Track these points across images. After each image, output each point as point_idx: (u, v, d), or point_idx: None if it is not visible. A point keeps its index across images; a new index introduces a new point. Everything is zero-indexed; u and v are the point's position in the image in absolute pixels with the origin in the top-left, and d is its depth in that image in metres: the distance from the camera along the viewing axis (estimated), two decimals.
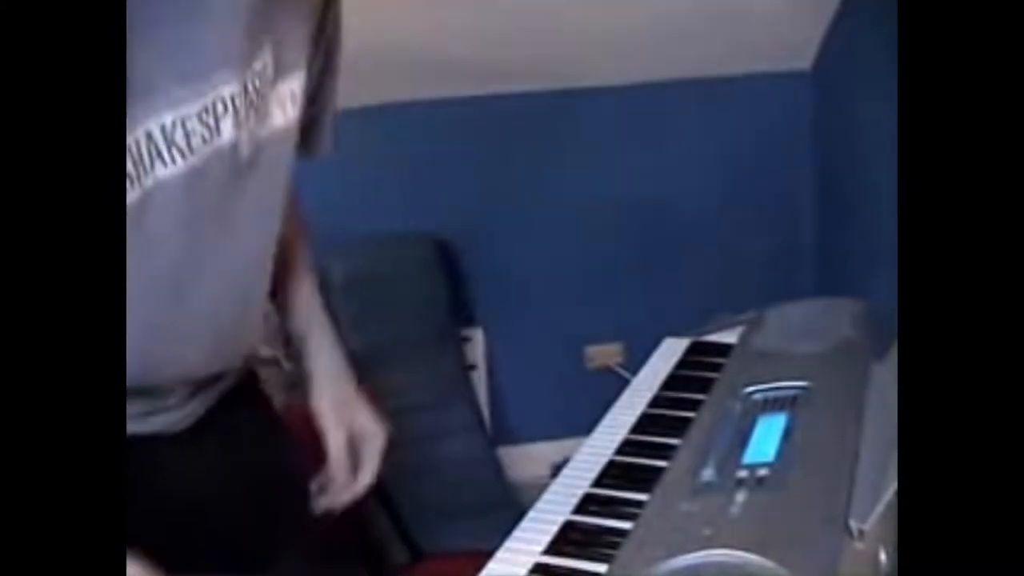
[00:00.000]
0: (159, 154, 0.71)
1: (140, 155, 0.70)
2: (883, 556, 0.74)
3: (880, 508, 0.75)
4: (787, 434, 0.93)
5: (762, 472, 0.86)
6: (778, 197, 2.53)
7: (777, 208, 2.53)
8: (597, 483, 1.06)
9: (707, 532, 0.78)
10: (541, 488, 1.08)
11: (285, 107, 0.83)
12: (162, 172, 0.72)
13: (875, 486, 0.80)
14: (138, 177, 0.71)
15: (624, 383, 1.33)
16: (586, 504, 1.02)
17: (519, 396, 2.47)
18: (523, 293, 2.45)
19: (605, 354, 2.54)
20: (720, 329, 1.45)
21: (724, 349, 1.33)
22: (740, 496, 0.82)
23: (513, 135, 2.26)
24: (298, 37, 0.84)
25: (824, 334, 1.17)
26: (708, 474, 0.89)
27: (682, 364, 1.37)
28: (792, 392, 1.02)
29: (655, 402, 1.25)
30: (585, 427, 1.20)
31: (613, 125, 2.41)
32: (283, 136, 0.84)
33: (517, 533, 0.98)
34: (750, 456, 0.90)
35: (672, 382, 1.31)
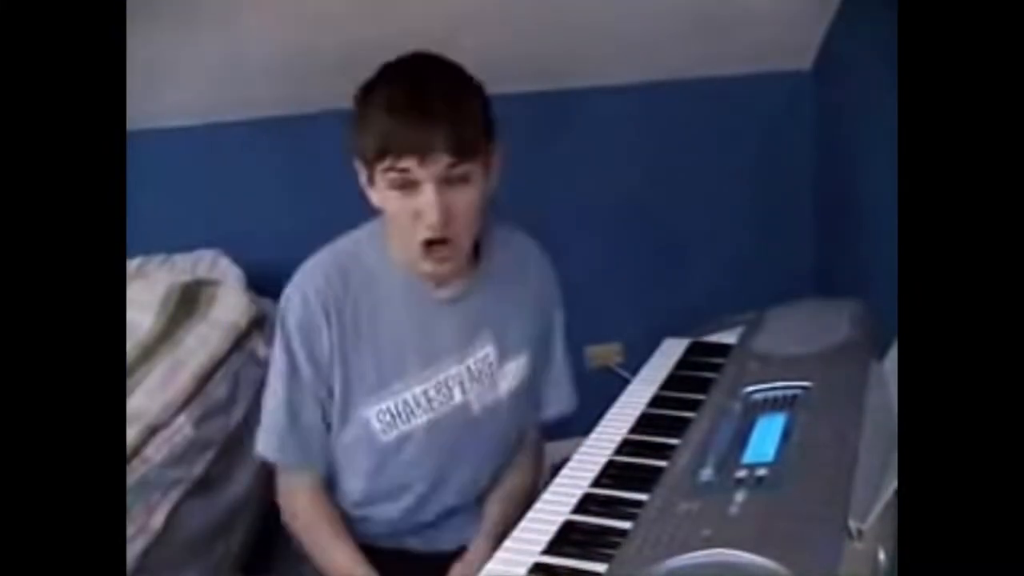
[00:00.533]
0: (411, 412, 1.19)
1: (398, 412, 1.19)
2: (882, 556, 0.74)
3: (879, 508, 0.75)
4: (786, 434, 0.93)
5: (761, 472, 0.86)
6: (778, 197, 2.52)
7: (777, 208, 2.53)
8: (597, 483, 1.06)
9: (706, 532, 0.78)
10: (541, 488, 1.09)
11: (508, 380, 1.24)
12: (413, 422, 1.20)
13: (874, 486, 0.80)
14: (396, 425, 1.19)
15: (624, 383, 1.33)
16: (586, 504, 1.02)
17: None
18: None
19: (605, 354, 2.54)
20: (720, 329, 1.45)
21: (724, 349, 1.33)
22: (739, 496, 0.82)
23: (512, 135, 2.26)
24: (519, 328, 1.24)
25: (824, 334, 1.17)
26: (707, 474, 0.89)
27: (682, 364, 1.37)
28: (792, 392, 1.02)
29: (655, 402, 1.25)
30: (585, 427, 1.20)
31: (613, 125, 2.41)
32: (508, 400, 1.24)
33: (517, 533, 0.98)
34: (749, 456, 0.90)
35: (672, 382, 1.31)
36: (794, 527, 0.77)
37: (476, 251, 1.21)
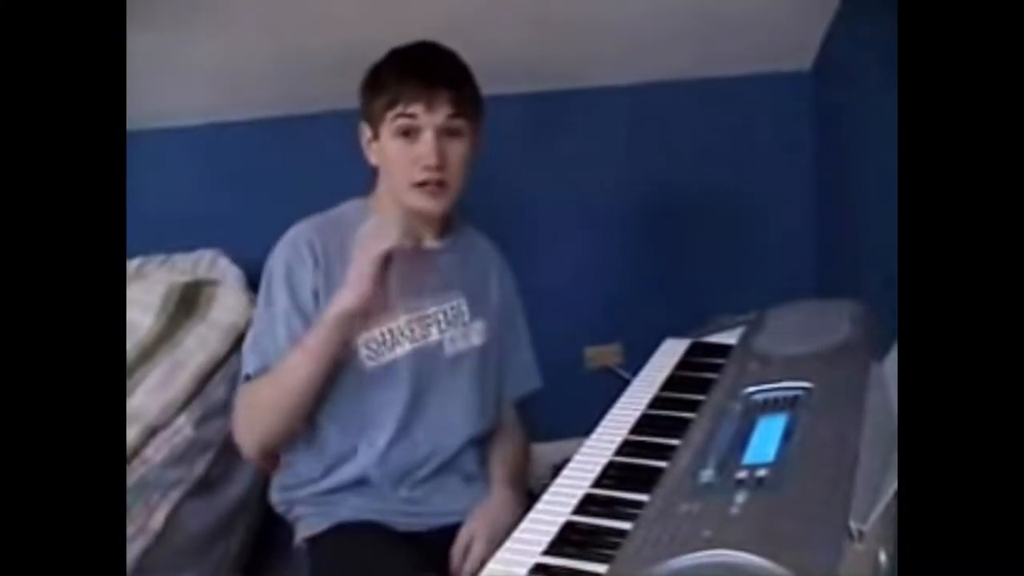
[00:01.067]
0: (396, 341, 1.31)
1: (384, 340, 1.30)
2: (883, 557, 0.74)
3: (880, 509, 0.75)
4: (787, 435, 0.93)
5: (762, 473, 0.86)
6: (778, 197, 2.52)
7: (777, 208, 2.53)
8: (597, 484, 1.05)
9: (707, 533, 0.77)
10: (541, 489, 1.09)
11: (478, 335, 1.38)
12: (397, 350, 1.31)
13: (875, 487, 0.80)
14: (383, 352, 1.30)
15: (624, 383, 1.33)
16: (586, 505, 1.01)
17: None
18: (522, 293, 2.45)
19: (605, 354, 2.54)
20: (720, 330, 1.45)
21: (724, 350, 1.33)
22: (740, 497, 0.82)
23: (512, 135, 2.26)
24: (483, 297, 1.41)
25: (824, 335, 1.17)
26: (708, 475, 0.89)
27: (682, 365, 1.37)
28: (792, 393, 1.02)
29: (655, 403, 1.25)
30: (585, 427, 1.20)
31: (613, 125, 2.41)
32: (477, 353, 1.38)
33: (517, 533, 0.98)
34: (750, 457, 0.90)
35: (672, 383, 1.31)
36: (795, 528, 0.77)
37: (449, 226, 1.39)
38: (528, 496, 1.27)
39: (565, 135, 2.32)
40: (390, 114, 1.27)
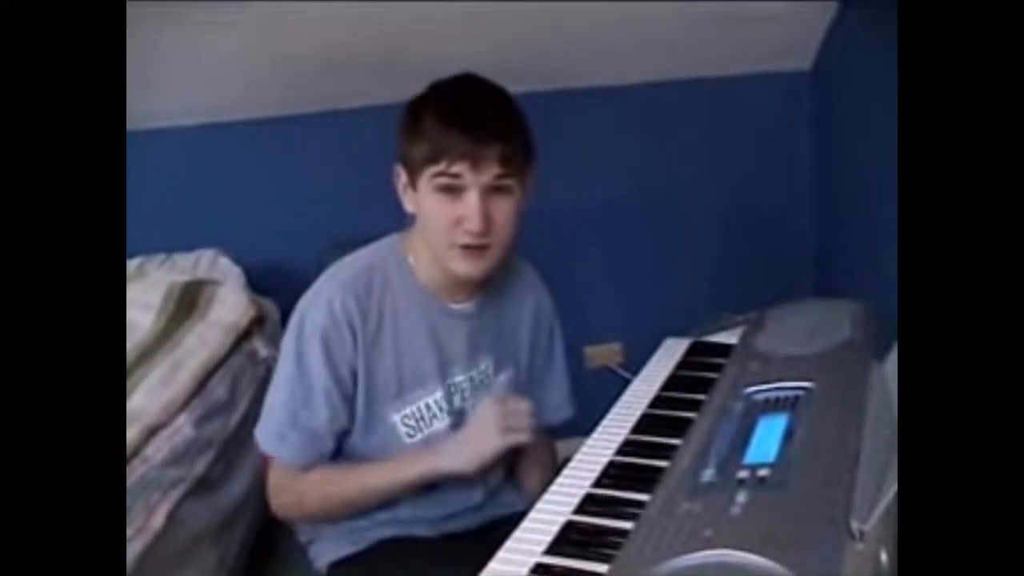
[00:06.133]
0: (434, 416, 1.25)
1: (421, 416, 1.24)
2: (884, 556, 0.74)
3: (881, 509, 0.75)
4: (788, 434, 0.93)
5: (763, 472, 0.86)
6: (778, 197, 2.52)
7: (777, 208, 2.53)
8: (598, 483, 1.05)
9: (708, 532, 0.77)
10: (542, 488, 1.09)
11: (504, 388, 1.29)
12: (435, 425, 1.25)
13: (876, 487, 0.80)
14: (421, 428, 1.24)
15: (624, 383, 1.33)
16: (587, 504, 1.01)
17: None
18: None
19: (605, 354, 2.54)
20: (720, 329, 1.45)
21: (725, 349, 1.33)
22: (741, 496, 0.82)
23: None
24: (512, 344, 1.32)
25: (824, 335, 1.17)
26: (709, 474, 0.89)
27: (683, 364, 1.37)
28: (793, 393, 1.02)
29: (656, 402, 1.25)
30: (585, 427, 1.20)
31: (613, 125, 2.41)
32: None
33: (518, 533, 0.98)
34: (751, 456, 0.90)
35: (673, 382, 1.31)
36: (796, 528, 0.77)
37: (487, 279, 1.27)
38: None
39: (565, 135, 2.32)
40: (430, 169, 1.13)
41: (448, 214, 1.14)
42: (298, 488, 1.22)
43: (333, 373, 1.18)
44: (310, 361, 1.18)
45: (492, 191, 1.14)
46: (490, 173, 1.13)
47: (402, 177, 1.20)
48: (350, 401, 1.20)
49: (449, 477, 1.19)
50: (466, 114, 1.13)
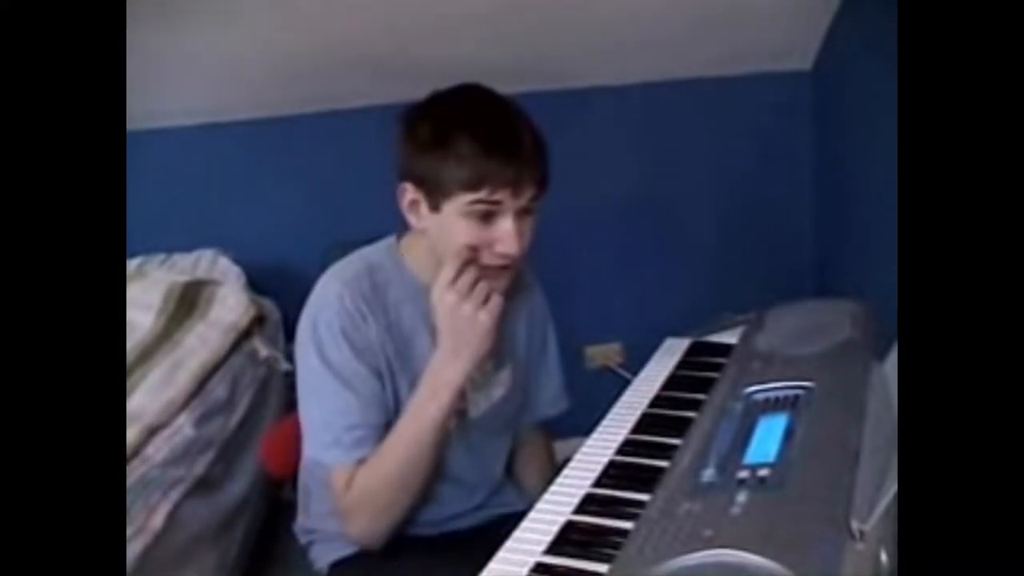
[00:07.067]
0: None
1: None
2: (884, 557, 0.74)
3: (881, 509, 0.75)
4: (788, 434, 0.93)
5: (763, 472, 0.86)
6: (778, 197, 2.52)
7: (777, 208, 2.53)
8: (598, 483, 1.05)
9: (708, 532, 0.77)
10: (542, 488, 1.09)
11: (499, 388, 1.29)
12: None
13: (876, 487, 0.80)
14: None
15: (624, 383, 1.33)
16: (587, 504, 1.01)
17: None
18: None
19: (605, 354, 2.54)
20: (720, 329, 1.45)
21: (725, 349, 1.33)
22: (741, 496, 0.82)
23: None
24: (510, 342, 1.30)
25: (824, 334, 1.17)
26: (709, 474, 0.89)
27: (683, 364, 1.37)
28: (793, 392, 1.02)
29: (656, 402, 1.25)
30: (585, 427, 1.20)
31: (613, 125, 2.41)
32: (501, 403, 1.29)
33: (518, 533, 0.98)
34: (751, 456, 0.90)
35: (673, 382, 1.31)
36: (796, 528, 0.77)
37: None
38: None
39: (565, 135, 2.31)
40: (467, 196, 1.09)
41: (478, 238, 1.12)
42: (361, 485, 1.15)
43: (361, 359, 1.15)
44: (336, 357, 1.14)
45: (522, 212, 1.13)
46: (527, 197, 1.12)
47: (409, 195, 1.16)
48: (385, 384, 1.17)
49: (465, 385, 1.15)
50: (506, 139, 1.10)
